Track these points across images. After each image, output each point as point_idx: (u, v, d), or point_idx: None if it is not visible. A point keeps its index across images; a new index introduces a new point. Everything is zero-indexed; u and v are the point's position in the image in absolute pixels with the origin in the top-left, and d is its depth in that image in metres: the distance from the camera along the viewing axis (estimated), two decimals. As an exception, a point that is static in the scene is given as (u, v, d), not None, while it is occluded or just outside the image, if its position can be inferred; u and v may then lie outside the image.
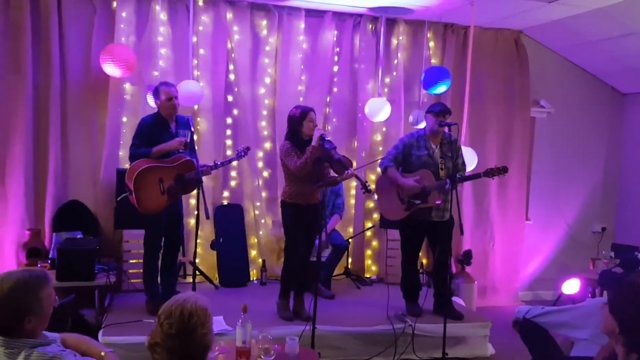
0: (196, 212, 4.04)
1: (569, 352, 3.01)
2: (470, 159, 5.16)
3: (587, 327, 2.80)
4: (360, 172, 5.56)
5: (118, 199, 4.43)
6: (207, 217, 3.82)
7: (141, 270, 4.49)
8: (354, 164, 5.61)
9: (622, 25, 5.10)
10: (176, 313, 1.72)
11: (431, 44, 5.81)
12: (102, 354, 2.18)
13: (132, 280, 4.81)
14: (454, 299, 5.02)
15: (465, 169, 4.58)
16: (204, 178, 5.03)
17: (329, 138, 4.12)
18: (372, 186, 5.54)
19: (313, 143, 4.02)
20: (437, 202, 4.33)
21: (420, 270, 5.29)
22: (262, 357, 2.79)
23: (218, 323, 4.01)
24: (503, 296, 6.08)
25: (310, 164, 4.03)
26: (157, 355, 1.72)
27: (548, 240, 6.42)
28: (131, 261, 4.90)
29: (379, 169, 4.72)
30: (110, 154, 4.98)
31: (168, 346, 1.70)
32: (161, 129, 4.14)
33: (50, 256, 4.62)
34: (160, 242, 4.32)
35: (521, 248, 6.14)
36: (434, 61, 5.81)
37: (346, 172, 4.01)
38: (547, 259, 6.43)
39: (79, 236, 4.72)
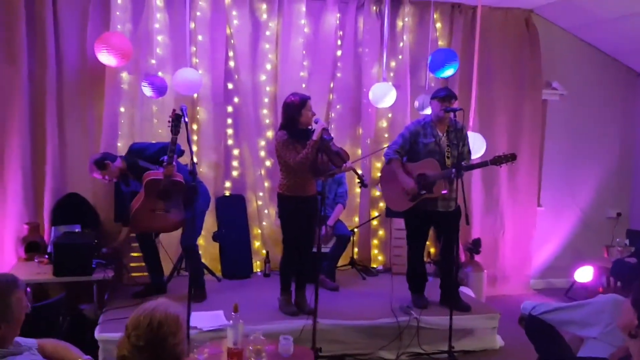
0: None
1: (578, 349, 2.86)
2: (479, 145, 5.00)
3: (597, 324, 2.65)
4: (365, 161, 5.44)
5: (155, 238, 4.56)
6: None
7: (141, 264, 4.62)
8: (359, 151, 5.50)
9: (638, 2, 4.86)
10: (144, 323, 1.60)
11: (438, 25, 5.61)
12: (80, 360, 2.09)
13: (133, 274, 4.75)
14: (463, 288, 4.89)
15: (470, 158, 4.42)
16: (206, 169, 5.13)
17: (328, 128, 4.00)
18: (378, 174, 5.44)
19: (315, 136, 3.87)
20: (443, 192, 4.18)
21: (428, 260, 5.17)
22: (253, 359, 2.69)
23: (217, 318, 3.93)
24: (514, 285, 5.93)
25: (311, 158, 3.90)
26: (126, 369, 1.61)
27: (561, 226, 6.23)
28: (132, 254, 4.83)
29: (384, 158, 4.59)
30: (108, 145, 4.85)
31: (137, 359, 1.58)
32: (128, 183, 4.35)
33: (48, 250, 4.55)
34: (151, 238, 4.43)
35: (533, 235, 5.97)
36: (441, 43, 5.61)
37: (344, 165, 3.88)
38: (560, 246, 6.25)
39: (77, 230, 4.63)
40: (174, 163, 3.97)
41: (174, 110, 3.76)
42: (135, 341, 1.59)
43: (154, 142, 4.60)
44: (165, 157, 3.92)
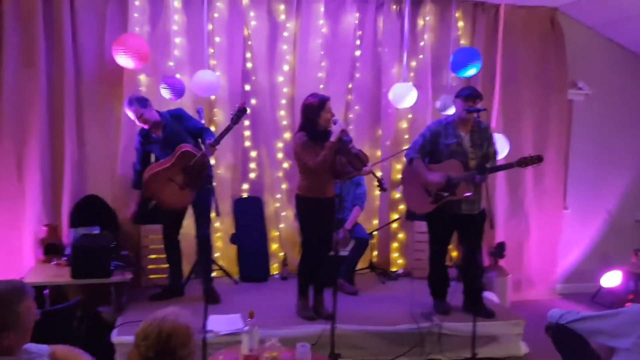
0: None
1: (607, 359, 2.74)
2: (502, 146, 4.87)
3: (630, 335, 2.52)
4: (384, 163, 5.34)
5: (150, 207, 4.39)
6: (217, 215, 3.79)
7: (160, 266, 4.66)
8: (378, 153, 5.41)
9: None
10: (153, 334, 1.54)
11: (460, 24, 5.49)
12: (91, 368, 2.04)
13: (151, 276, 4.73)
14: (487, 293, 4.77)
15: (496, 159, 4.28)
16: (224, 171, 5.11)
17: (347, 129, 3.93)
18: (397, 176, 5.34)
19: (333, 138, 3.81)
20: (466, 195, 4.05)
21: (450, 264, 5.05)
22: (269, 367, 2.62)
23: (235, 321, 3.87)
24: (539, 290, 5.79)
25: (329, 160, 3.83)
26: (135, 380, 1.55)
27: (587, 230, 6.06)
28: (150, 256, 4.81)
29: (404, 158, 4.49)
30: (126, 146, 4.83)
31: (146, 371, 1.52)
32: (148, 140, 4.33)
33: (67, 252, 4.53)
34: (176, 236, 4.48)
35: (559, 239, 5.81)
36: (463, 42, 5.50)
37: (364, 168, 3.81)
38: (587, 250, 6.08)
39: (96, 231, 4.60)
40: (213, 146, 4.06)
41: (242, 102, 4.14)
42: (144, 352, 1.53)
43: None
44: (213, 138, 4.02)
